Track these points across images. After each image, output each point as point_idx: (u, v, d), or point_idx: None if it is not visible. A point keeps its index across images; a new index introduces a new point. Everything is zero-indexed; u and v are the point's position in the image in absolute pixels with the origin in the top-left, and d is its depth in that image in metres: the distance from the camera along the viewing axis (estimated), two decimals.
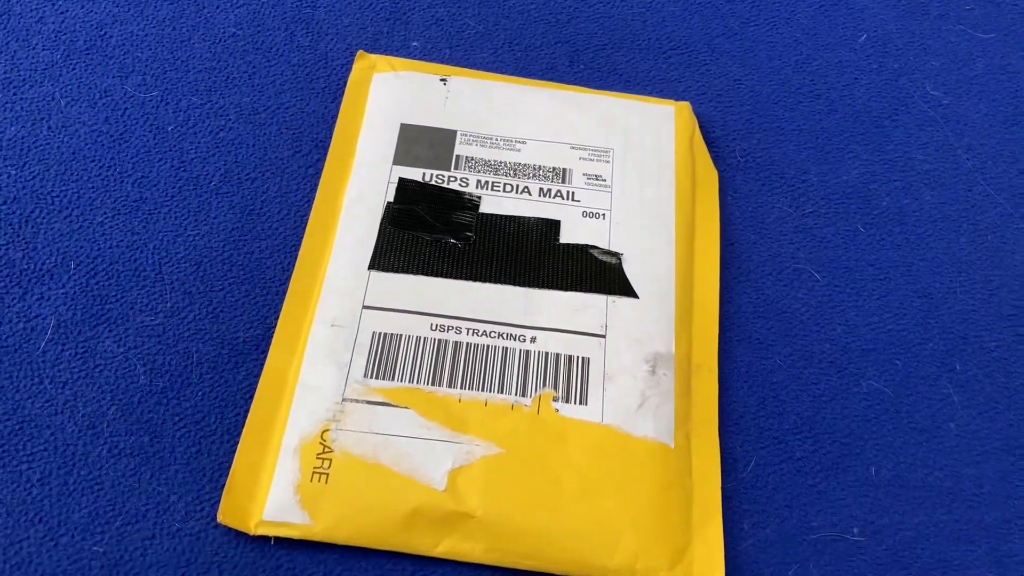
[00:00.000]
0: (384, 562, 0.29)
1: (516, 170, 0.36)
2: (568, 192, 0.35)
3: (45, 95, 0.36)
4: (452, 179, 0.35)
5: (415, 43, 0.40)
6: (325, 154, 0.36)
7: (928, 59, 0.42)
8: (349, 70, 0.39)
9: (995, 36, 0.43)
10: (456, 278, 0.33)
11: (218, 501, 0.29)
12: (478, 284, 0.33)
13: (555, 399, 0.31)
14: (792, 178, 0.38)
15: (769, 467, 0.31)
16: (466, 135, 0.36)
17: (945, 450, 0.32)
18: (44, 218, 0.33)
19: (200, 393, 0.31)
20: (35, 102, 0.36)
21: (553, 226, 0.34)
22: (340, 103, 0.38)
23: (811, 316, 0.34)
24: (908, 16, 0.43)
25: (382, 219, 0.34)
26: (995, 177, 0.39)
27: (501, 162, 0.36)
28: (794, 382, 0.33)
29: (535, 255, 0.33)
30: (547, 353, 0.31)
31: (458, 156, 0.36)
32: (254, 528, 0.28)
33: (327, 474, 0.29)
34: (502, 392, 0.31)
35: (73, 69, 0.37)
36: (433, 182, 0.35)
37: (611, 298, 0.33)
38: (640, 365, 0.31)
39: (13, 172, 0.34)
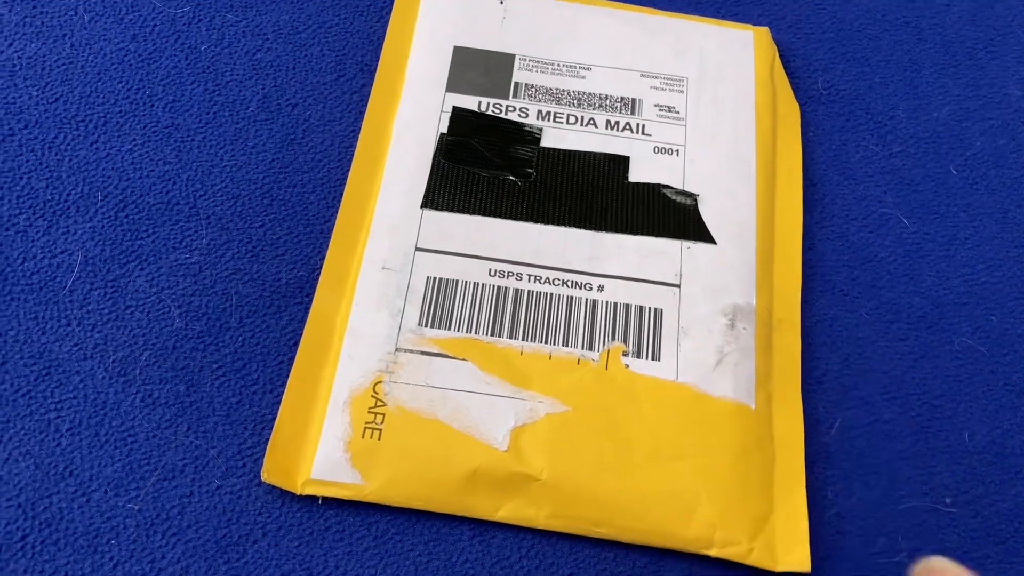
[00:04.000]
0: (441, 526, 0.26)
1: (581, 99, 0.32)
2: (638, 125, 0.32)
3: (66, 8, 0.33)
4: (511, 109, 0.32)
5: None
6: (371, 79, 0.33)
7: None
8: None
9: None
10: (516, 219, 0.30)
11: (261, 457, 0.27)
12: (540, 226, 0.30)
13: (625, 354, 0.28)
14: (879, 114, 0.34)
15: (854, 430, 0.29)
16: (525, 60, 0.33)
17: None
18: (68, 144, 0.31)
19: (240, 338, 0.28)
20: (56, 16, 0.33)
21: (621, 163, 0.31)
22: (387, 23, 0.34)
23: (899, 266, 0.32)
24: None
25: (435, 152, 0.31)
26: None
27: (564, 90, 0.33)
28: (881, 338, 0.30)
29: (602, 195, 0.31)
30: (616, 303, 0.29)
31: (517, 83, 0.33)
32: (301, 488, 0.26)
33: (380, 430, 0.26)
34: (567, 345, 0.28)
35: None
36: (490, 112, 0.32)
37: (686, 243, 0.30)
38: (717, 318, 0.29)
39: (35, 93, 0.31)
